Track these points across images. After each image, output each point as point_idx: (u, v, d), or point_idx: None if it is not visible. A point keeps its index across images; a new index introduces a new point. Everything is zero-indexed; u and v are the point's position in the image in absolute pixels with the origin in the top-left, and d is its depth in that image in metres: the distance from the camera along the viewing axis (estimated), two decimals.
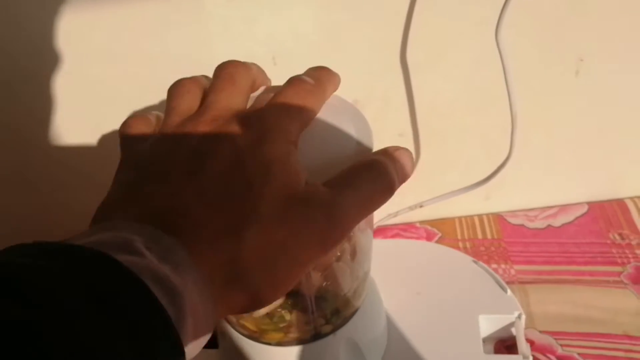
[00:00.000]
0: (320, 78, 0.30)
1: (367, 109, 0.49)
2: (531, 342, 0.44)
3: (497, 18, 0.41)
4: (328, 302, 0.36)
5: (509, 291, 0.43)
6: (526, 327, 0.44)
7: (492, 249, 0.54)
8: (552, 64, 0.48)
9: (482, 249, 0.54)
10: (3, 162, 0.53)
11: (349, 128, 0.33)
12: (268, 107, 0.28)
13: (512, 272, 0.51)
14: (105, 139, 0.51)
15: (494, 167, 0.49)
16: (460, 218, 0.57)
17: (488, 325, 0.43)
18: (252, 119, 0.27)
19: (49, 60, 0.46)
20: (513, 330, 0.43)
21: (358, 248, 0.37)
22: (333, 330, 0.38)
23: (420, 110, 0.50)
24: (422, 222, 0.57)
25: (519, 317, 0.42)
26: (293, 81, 0.29)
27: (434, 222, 0.57)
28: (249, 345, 0.39)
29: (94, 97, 0.49)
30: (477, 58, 0.47)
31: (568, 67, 0.48)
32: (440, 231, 0.56)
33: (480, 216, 0.57)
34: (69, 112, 0.49)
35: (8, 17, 0.44)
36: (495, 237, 0.55)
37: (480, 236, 0.55)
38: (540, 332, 0.46)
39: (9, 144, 0.52)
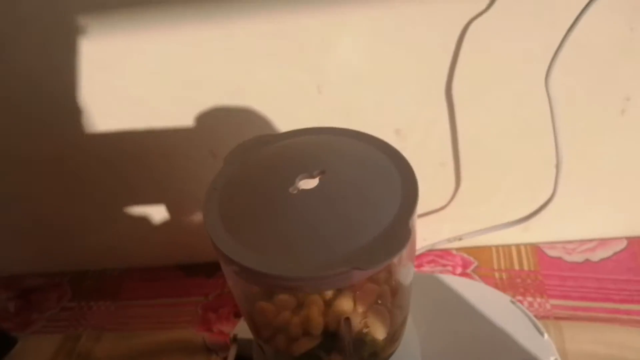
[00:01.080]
0: None
1: (409, 138, 0.50)
2: None
3: (545, 57, 0.41)
4: (366, 345, 0.37)
5: (545, 335, 0.43)
6: None
7: (529, 281, 0.54)
8: (598, 101, 0.47)
9: (519, 280, 0.54)
10: (43, 153, 0.55)
11: (394, 181, 0.33)
12: None
13: (548, 306, 0.51)
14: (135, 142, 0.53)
15: (535, 200, 0.49)
16: (497, 247, 0.58)
17: None
18: None
19: (96, 79, 0.48)
20: None
21: (399, 287, 0.37)
22: None
23: (462, 142, 0.50)
24: (458, 249, 0.58)
25: None
26: None
27: (470, 250, 0.58)
28: None
29: (136, 117, 0.50)
30: (523, 94, 0.47)
31: (614, 105, 0.47)
32: (477, 259, 0.57)
33: (517, 246, 0.57)
34: (109, 127, 0.51)
35: (57, 40, 0.45)
36: (532, 269, 0.55)
37: (517, 267, 0.55)
38: None
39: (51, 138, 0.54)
